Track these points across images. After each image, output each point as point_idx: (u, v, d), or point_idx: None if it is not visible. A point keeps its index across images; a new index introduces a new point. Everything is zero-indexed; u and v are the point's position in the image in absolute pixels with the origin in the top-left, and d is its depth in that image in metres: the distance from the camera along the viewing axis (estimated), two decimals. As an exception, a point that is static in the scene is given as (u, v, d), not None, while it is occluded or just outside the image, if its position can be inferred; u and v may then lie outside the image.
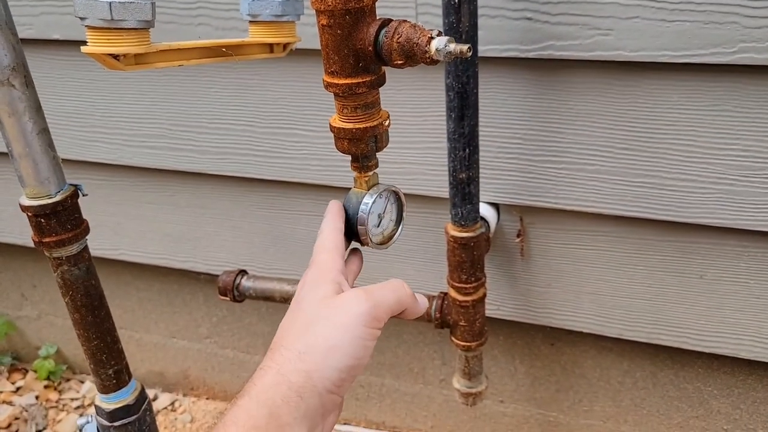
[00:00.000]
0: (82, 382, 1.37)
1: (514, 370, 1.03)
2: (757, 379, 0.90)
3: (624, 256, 0.84)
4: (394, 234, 0.57)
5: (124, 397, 0.68)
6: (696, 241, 0.80)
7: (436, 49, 0.44)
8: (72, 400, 1.33)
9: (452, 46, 0.44)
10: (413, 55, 0.45)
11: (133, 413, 0.69)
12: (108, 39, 0.46)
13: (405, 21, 0.46)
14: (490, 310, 0.92)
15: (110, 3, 0.44)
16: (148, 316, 1.24)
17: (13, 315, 1.37)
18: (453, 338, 0.84)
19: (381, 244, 0.55)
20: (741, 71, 0.69)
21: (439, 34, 0.44)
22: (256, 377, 0.42)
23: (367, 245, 0.54)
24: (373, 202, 0.53)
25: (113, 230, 1.09)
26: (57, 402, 1.33)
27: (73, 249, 0.60)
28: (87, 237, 0.62)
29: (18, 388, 1.35)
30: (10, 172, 1.11)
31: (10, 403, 1.31)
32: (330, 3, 0.45)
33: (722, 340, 0.85)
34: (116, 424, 0.68)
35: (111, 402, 0.68)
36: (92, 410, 1.29)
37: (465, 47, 0.44)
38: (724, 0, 0.65)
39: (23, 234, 1.17)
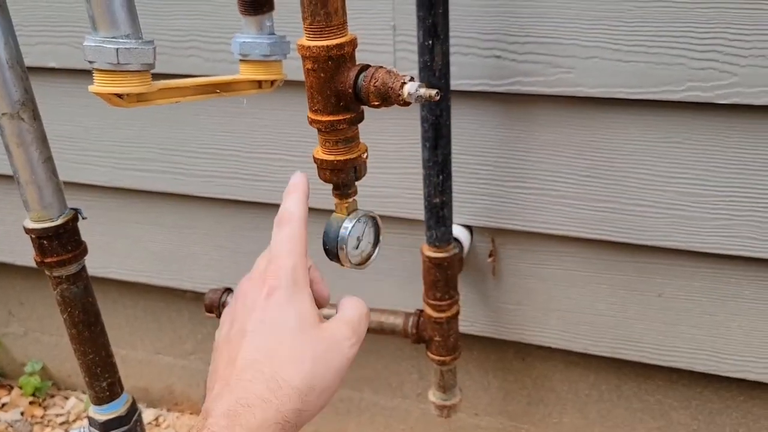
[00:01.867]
0: (67, 398, 1.39)
1: (488, 384, 1.09)
2: (712, 391, 0.96)
3: (588, 275, 0.90)
4: (371, 255, 0.62)
5: (117, 408, 0.72)
6: (653, 262, 0.86)
7: (408, 93, 0.49)
8: (57, 416, 1.35)
9: (422, 91, 0.49)
10: (388, 98, 0.51)
11: (124, 424, 0.72)
12: (113, 80, 0.50)
13: (381, 67, 0.51)
14: (465, 326, 0.98)
15: (117, 49, 0.49)
16: (134, 333, 1.28)
17: (0, 332, 1.39)
18: (428, 353, 0.89)
19: (359, 264, 0.60)
20: (688, 107, 0.75)
21: (411, 79, 0.50)
22: (257, 408, 0.38)
23: (346, 266, 0.59)
24: (353, 227, 0.58)
25: (102, 249, 1.13)
26: (42, 418, 1.35)
27: (73, 269, 0.64)
28: (85, 257, 0.66)
29: (3, 404, 1.37)
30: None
31: (-5, 419, 1.33)
32: (314, 50, 0.51)
33: (679, 354, 0.91)
34: (108, 434, 0.71)
35: (104, 413, 0.72)
36: (77, 425, 1.32)
37: (434, 92, 0.49)
38: (673, 44, 0.72)
39: (13, 253, 1.20)
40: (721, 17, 0.70)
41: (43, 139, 0.61)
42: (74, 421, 1.34)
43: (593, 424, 1.06)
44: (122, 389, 0.74)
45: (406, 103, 0.50)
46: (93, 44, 0.50)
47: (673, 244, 0.83)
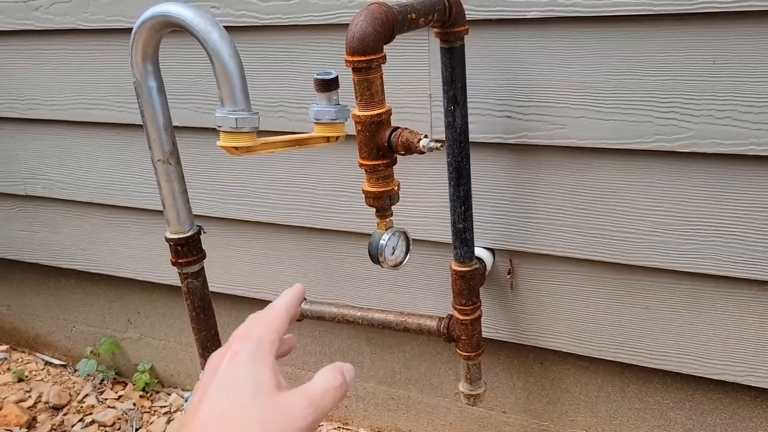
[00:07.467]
0: (169, 394, 1.68)
1: (513, 385, 1.29)
2: (702, 394, 1.13)
3: (588, 289, 1.10)
4: (403, 261, 0.86)
5: (220, 374, 0.98)
6: (639, 279, 1.06)
7: (423, 145, 0.75)
8: (161, 407, 1.64)
9: (432, 144, 0.74)
10: (410, 149, 0.76)
11: (225, 386, 0.98)
12: (232, 138, 0.78)
13: (406, 128, 0.77)
14: (490, 332, 1.19)
15: (236, 118, 0.77)
16: (225, 339, 1.55)
17: (120, 336, 1.71)
18: (457, 350, 1.11)
19: (394, 266, 0.85)
20: (657, 155, 0.96)
21: (425, 137, 0.75)
22: None
23: (384, 268, 0.84)
24: (389, 239, 0.83)
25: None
26: (149, 408, 1.64)
27: (196, 267, 0.92)
28: (204, 261, 0.93)
29: (119, 396, 1.68)
30: (128, 223, 1.47)
31: (113, 408, 1.63)
32: (362, 117, 0.77)
33: (669, 359, 1.09)
34: (213, 393, 0.98)
35: (211, 377, 0.98)
36: (178, 416, 1.59)
37: (439, 144, 0.74)
38: (641, 106, 0.94)
39: (135, 270, 1.51)
40: (676, 86, 0.92)
41: (182, 177, 0.89)
42: (175, 411, 1.62)
43: (603, 423, 1.23)
44: (224, 360, 1.00)
45: (422, 152, 0.76)
46: (221, 115, 0.78)
47: (653, 264, 1.02)
